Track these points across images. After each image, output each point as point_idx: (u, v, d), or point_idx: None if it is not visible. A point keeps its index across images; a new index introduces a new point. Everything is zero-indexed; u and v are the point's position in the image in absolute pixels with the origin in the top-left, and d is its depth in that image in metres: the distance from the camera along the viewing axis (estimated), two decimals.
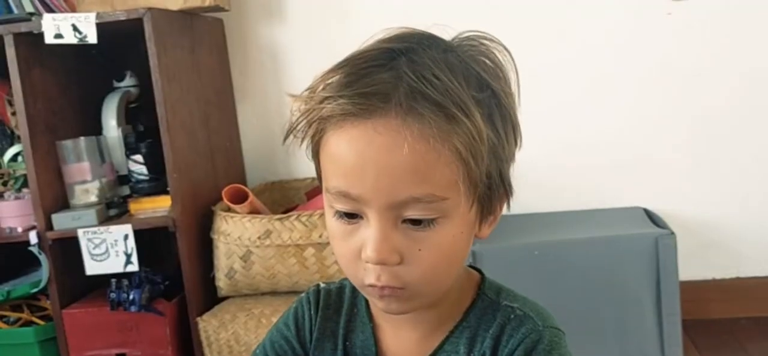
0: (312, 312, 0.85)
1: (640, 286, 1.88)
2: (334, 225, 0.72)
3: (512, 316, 0.77)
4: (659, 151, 2.23)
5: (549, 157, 2.21)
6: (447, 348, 0.78)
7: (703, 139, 2.21)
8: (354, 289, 0.85)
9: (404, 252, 0.69)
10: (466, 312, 0.79)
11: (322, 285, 0.87)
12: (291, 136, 0.72)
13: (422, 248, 0.69)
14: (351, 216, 0.70)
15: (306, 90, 0.71)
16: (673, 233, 1.87)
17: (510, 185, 0.75)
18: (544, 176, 2.21)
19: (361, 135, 0.66)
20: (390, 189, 0.66)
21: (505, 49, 0.74)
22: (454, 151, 0.66)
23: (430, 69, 0.67)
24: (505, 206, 0.77)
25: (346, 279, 0.86)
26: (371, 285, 0.70)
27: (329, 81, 0.69)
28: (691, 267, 2.17)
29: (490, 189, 0.71)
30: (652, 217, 2.09)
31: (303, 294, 0.87)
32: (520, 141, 0.75)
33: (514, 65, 0.74)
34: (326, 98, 0.68)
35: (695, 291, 2.17)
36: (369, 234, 0.69)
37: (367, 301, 0.83)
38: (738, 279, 2.24)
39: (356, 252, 0.70)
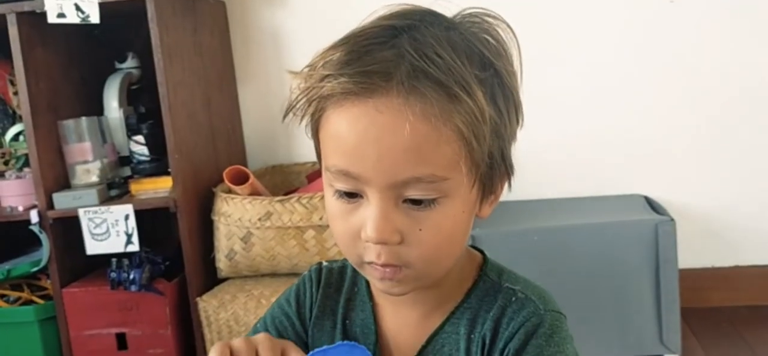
0: (313, 289, 0.84)
1: (640, 273, 1.89)
2: (333, 205, 0.72)
3: (513, 299, 0.76)
4: (660, 139, 2.23)
5: (550, 144, 2.21)
6: (448, 329, 0.78)
7: (704, 128, 2.21)
8: (355, 268, 0.84)
9: (405, 232, 0.68)
10: (468, 294, 0.79)
11: (324, 263, 0.87)
12: (290, 114, 0.72)
13: (423, 228, 0.68)
14: (351, 196, 0.70)
15: (306, 67, 0.71)
16: (672, 219, 1.87)
17: (511, 165, 0.74)
18: (546, 163, 2.21)
19: (362, 114, 0.66)
20: (391, 170, 0.66)
21: (508, 26, 0.73)
22: (456, 130, 0.66)
23: (432, 47, 0.66)
24: (506, 186, 0.76)
25: None
26: (371, 264, 0.70)
27: (329, 58, 0.68)
28: (691, 255, 2.17)
29: (492, 168, 0.71)
30: (652, 205, 2.09)
31: (306, 272, 0.87)
32: (522, 119, 0.74)
33: (517, 43, 0.73)
34: (326, 76, 0.67)
35: (694, 279, 2.17)
36: (369, 213, 0.68)
37: (367, 281, 0.83)
38: (737, 267, 2.25)
39: (356, 232, 0.70)
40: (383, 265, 0.69)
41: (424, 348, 0.78)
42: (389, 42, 0.67)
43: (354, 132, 0.66)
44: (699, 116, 2.20)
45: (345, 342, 0.63)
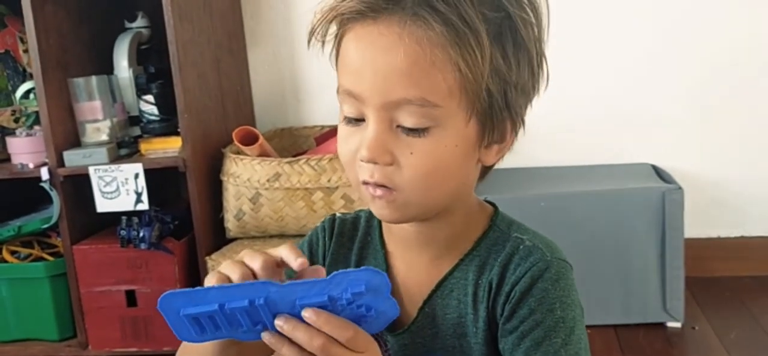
0: (326, 238, 0.88)
1: (646, 240, 1.90)
2: (341, 129, 0.77)
3: (521, 247, 0.79)
4: (669, 108, 2.22)
5: (558, 112, 2.20)
6: (457, 275, 0.81)
7: (713, 97, 2.20)
8: (368, 219, 0.89)
9: (396, 154, 0.72)
10: (477, 242, 0.82)
11: (337, 214, 0.90)
12: (313, 39, 0.76)
13: (414, 152, 0.72)
14: (357, 121, 0.74)
15: None
16: (680, 188, 1.88)
17: (517, 114, 0.76)
18: (553, 131, 2.20)
19: (366, 35, 0.71)
20: (384, 90, 0.70)
21: None
22: (451, 60, 0.69)
23: None
24: (514, 137, 0.78)
25: (361, 210, 0.90)
26: (365, 183, 0.74)
27: None
28: (697, 225, 2.17)
29: (492, 108, 0.73)
30: (660, 173, 2.10)
31: (319, 223, 0.90)
32: (544, 77, 0.77)
33: (547, 3, 0.76)
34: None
35: (700, 249, 2.18)
36: (366, 134, 0.72)
37: (380, 229, 0.87)
38: (743, 238, 2.25)
39: (355, 153, 0.74)
40: (375, 185, 0.73)
41: (433, 292, 0.82)
42: None
43: (357, 52, 0.72)
44: (708, 85, 2.19)
45: (369, 267, 0.68)
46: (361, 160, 0.73)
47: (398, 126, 0.72)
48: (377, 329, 0.71)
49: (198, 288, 0.67)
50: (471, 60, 0.69)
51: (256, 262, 0.70)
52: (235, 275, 0.70)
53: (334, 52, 0.77)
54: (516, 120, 0.76)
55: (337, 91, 0.76)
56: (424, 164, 0.72)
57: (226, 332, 0.68)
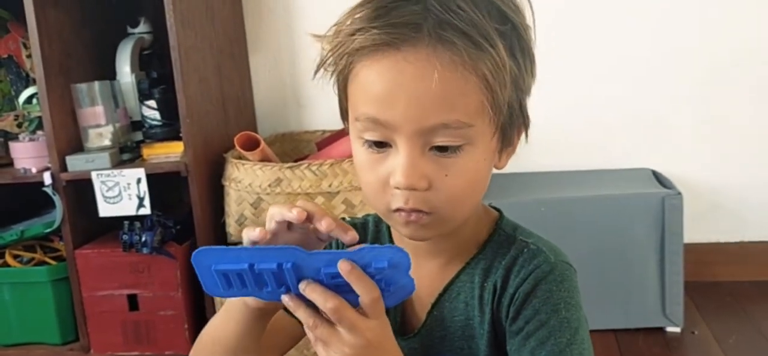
0: (339, 241, 0.88)
1: (645, 245, 1.90)
2: (362, 155, 0.75)
3: (525, 250, 0.80)
4: (669, 114, 2.23)
5: (558, 117, 2.22)
6: (463, 278, 0.83)
7: (713, 103, 2.21)
8: (377, 224, 0.89)
9: (432, 178, 0.72)
10: (483, 246, 0.83)
11: (347, 219, 0.90)
12: (321, 71, 0.75)
13: (449, 174, 0.72)
14: (380, 146, 0.73)
15: (332, 26, 0.74)
16: (679, 193, 1.88)
17: (527, 116, 0.78)
18: (554, 136, 2.22)
19: (391, 64, 0.70)
20: (420, 117, 0.70)
21: None
22: (481, 77, 0.69)
23: (454, 1, 0.70)
24: (523, 137, 0.80)
25: (368, 215, 0.91)
26: (399, 210, 0.74)
27: (357, 16, 0.72)
28: (697, 230, 2.18)
29: (511, 118, 0.75)
30: (659, 179, 2.10)
31: None
32: (535, 74, 0.78)
33: (530, 2, 0.76)
34: (358, 30, 0.71)
35: (699, 254, 2.19)
36: (398, 161, 0.72)
37: (390, 234, 0.87)
38: (742, 243, 2.26)
39: (385, 180, 0.74)
40: (411, 210, 0.73)
41: (441, 295, 0.84)
42: None
43: (384, 81, 0.70)
44: (708, 91, 2.20)
45: (393, 245, 0.70)
46: (397, 188, 0.72)
47: (430, 148, 0.72)
48: (394, 302, 0.72)
49: (231, 246, 0.70)
50: (497, 77, 0.70)
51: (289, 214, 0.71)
52: (271, 225, 0.71)
53: (341, 84, 0.76)
54: (526, 123, 0.79)
55: (354, 119, 0.75)
56: (459, 184, 0.73)
57: (251, 290, 0.71)
